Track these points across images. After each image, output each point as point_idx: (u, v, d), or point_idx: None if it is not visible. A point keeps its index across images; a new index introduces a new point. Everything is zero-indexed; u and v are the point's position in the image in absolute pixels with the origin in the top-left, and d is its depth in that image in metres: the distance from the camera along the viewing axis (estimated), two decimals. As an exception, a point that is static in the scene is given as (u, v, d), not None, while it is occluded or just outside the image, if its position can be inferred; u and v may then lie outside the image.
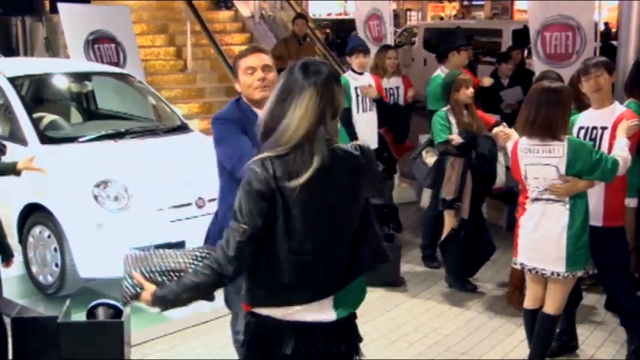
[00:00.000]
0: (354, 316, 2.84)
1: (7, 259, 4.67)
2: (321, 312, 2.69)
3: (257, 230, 2.60)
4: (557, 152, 4.35)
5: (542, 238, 4.48)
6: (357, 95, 7.26)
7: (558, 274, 4.47)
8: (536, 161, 4.42)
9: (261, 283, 2.69)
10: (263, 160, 2.60)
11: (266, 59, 3.83)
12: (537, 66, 7.56)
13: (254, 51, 3.85)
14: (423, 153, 6.68)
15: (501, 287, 6.43)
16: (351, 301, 2.78)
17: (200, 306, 5.79)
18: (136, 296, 2.80)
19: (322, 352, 2.71)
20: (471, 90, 6.34)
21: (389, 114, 7.62)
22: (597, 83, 4.76)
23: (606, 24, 21.50)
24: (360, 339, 2.89)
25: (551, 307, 4.59)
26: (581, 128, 4.95)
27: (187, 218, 6.17)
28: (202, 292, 2.75)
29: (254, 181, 2.59)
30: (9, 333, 4.76)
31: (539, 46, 7.56)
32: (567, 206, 4.41)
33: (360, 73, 7.32)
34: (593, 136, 4.85)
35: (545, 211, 4.46)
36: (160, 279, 2.79)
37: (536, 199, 4.48)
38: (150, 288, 2.77)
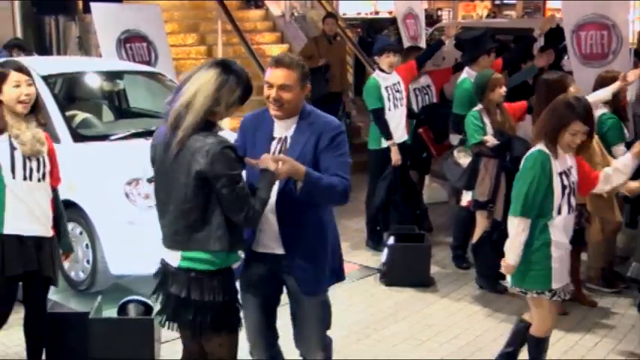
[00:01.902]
0: (200, 272, 3.44)
1: (67, 252, 4.71)
2: (172, 258, 3.51)
3: None
4: None
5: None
6: (389, 95, 7.26)
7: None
8: None
9: None
10: None
11: (283, 76, 3.61)
12: (573, 66, 7.48)
13: (274, 65, 3.66)
14: (455, 153, 6.65)
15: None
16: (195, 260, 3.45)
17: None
18: None
19: (169, 291, 3.52)
20: (503, 89, 6.34)
21: (428, 115, 7.66)
22: None
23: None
24: (209, 296, 3.45)
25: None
26: None
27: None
28: None
29: None
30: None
31: (575, 45, 7.48)
32: None
33: (388, 73, 7.31)
34: None
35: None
36: None
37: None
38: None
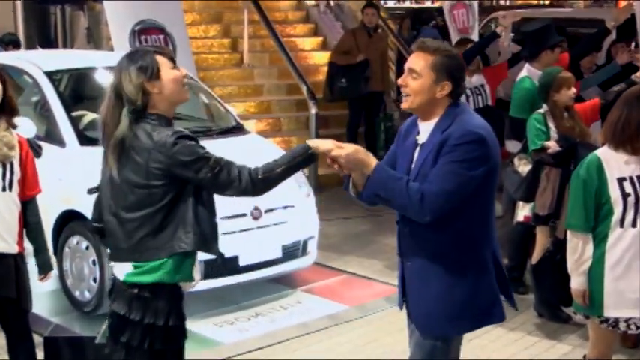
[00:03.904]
0: (145, 289, 3.52)
1: (45, 272, 4.75)
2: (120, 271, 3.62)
3: None
4: None
5: None
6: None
7: None
8: None
9: None
10: None
11: (415, 60, 3.55)
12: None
13: (414, 49, 3.58)
14: (515, 160, 6.59)
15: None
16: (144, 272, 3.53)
17: (252, 332, 5.83)
18: None
19: (111, 307, 3.63)
20: (572, 90, 6.22)
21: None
22: None
23: None
24: (151, 318, 3.50)
25: None
26: None
27: (241, 231, 6.21)
28: None
29: None
30: (41, 354, 4.84)
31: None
32: None
33: None
34: None
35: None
36: None
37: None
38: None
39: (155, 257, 3.50)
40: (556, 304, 6.30)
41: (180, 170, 3.43)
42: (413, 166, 3.56)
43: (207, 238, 3.56)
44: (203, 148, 3.50)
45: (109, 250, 3.72)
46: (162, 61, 3.55)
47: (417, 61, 3.53)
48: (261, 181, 3.49)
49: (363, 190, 3.48)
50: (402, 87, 3.58)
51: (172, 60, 3.61)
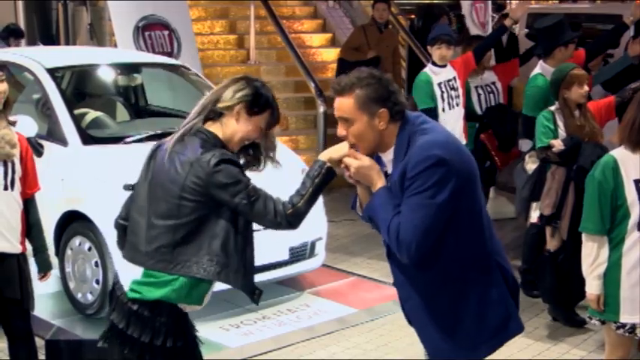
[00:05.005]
0: (145, 305, 3.52)
1: (44, 271, 4.78)
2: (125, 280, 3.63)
3: None
4: None
5: None
6: (442, 92, 7.22)
7: None
8: None
9: None
10: None
11: (341, 107, 3.39)
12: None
13: (335, 94, 3.43)
14: (526, 158, 6.61)
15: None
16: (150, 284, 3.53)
17: (258, 336, 5.83)
18: None
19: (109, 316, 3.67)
20: (585, 88, 6.19)
21: (492, 118, 7.60)
22: None
23: None
24: (148, 336, 3.48)
25: None
26: None
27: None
28: None
29: None
30: (42, 357, 4.86)
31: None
32: None
33: (442, 66, 7.28)
34: None
35: None
36: None
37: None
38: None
39: (166, 271, 3.49)
40: (570, 307, 6.31)
41: (217, 191, 3.42)
42: None
43: (232, 271, 3.50)
44: (245, 176, 3.50)
45: (124, 250, 3.72)
46: (267, 114, 3.62)
47: (342, 107, 3.35)
48: (291, 217, 3.48)
49: (362, 208, 3.44)
50: (344, 138, 3.41)
51: (270, 125, 3.65)
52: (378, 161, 3.47)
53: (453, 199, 3.23)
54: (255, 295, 3.62)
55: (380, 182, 3.34)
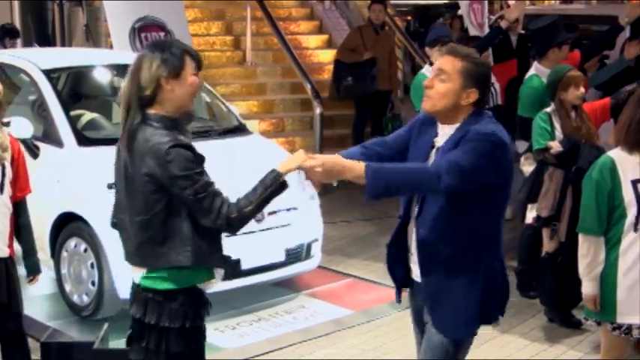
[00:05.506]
0: (159, 293, 3.52)
1: (34, 274, 4.77)
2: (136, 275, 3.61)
3: None
4: None
5: None
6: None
7: None
8: None
9: None
10: None
11: (444, 62, 3.61)
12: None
13: (448, 53, 3.63)
14: (522, 160, 6.61)
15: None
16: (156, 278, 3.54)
17: (254, 337, 5.83)
18: None
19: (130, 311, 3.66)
20: (581, 90, 6.21)
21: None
22: None
23: None
24: (167, 321, 3.51)
25: None
26: None
27: (244, 233, 6.18)
28: None
29: None
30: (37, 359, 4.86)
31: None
32: None
33: None
34: None
35: None
36: None
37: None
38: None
39: (154, 266, 3.50)
40: (566, 308, 6.32)
41: (168, 181, 3.39)
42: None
43: (205, 251, 3.52)
44: (199, 164, 3.46)
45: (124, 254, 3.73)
46: (188, 62, 3.50)
47: (447, 63, 3.56)
48: (235, 220, 3.45)
49: (369, 188, 3.42)
50: (426, 88, 3.57)
51: (199, 66, 3.56)
52: (431, 128, 3.64)
53: (494, 175, 3.48)
54: (232, 266, 3.66)
55: (357, 164, 3.42)
